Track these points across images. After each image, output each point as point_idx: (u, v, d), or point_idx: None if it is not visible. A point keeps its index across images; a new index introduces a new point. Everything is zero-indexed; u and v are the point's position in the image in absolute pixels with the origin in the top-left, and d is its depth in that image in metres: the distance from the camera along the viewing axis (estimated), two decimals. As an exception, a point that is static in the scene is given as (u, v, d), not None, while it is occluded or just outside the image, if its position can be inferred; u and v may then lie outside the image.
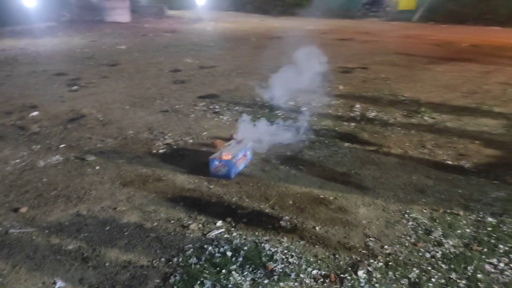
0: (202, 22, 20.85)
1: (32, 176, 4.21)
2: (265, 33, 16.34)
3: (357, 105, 6.55)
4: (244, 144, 4.52)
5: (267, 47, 12.61)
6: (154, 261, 2.93)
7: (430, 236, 3.26)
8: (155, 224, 3.38)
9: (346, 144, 5.08)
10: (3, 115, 6.20)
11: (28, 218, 3.45)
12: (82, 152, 4.80)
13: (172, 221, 3.43)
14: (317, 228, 3.38)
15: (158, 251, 3.04)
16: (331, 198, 3.85)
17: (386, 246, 3.15)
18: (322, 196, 3.88)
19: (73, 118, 5.98)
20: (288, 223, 3.44)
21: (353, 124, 5.80)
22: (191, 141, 5.18)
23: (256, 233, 3.28)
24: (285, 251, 3.07)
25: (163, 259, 2.95)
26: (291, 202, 3.77)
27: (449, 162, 4.61)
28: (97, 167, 4.41)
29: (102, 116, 6.08)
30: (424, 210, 3.64)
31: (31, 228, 3.29)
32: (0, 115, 6.22)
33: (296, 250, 3.09)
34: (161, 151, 4.87)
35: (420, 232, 3.33)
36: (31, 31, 15.63)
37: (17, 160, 4.59)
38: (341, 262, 2.97)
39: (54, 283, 2.69)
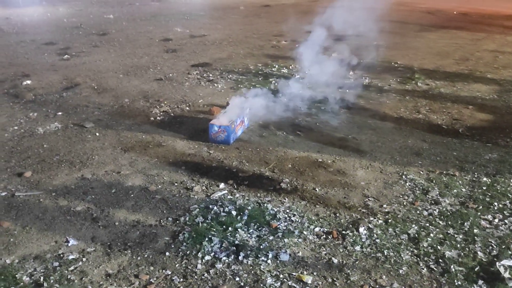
0: (190, -10, 20.47)
1: (33, 143, 4.22)
2: (254, 1, 16.14)
3: (351, 72, 6.59)
4: (242, 110, 4.56)
5: (257, 16, 12.52)
6: (162, 221, 3.01)
7: (428, 196, 3.38)
8: (160, 186, 3.44)
9: (343, 110, 5.15)
10: (-4, 84, 6.13)
11: (33, 182, 3.48)
12: (81, 119, 4.80)
13: (176, 184, 3.49)
14: (317, 189, 3.47)
15: (165, 211, 3.11)
16: (329, 161, 3.93)
17: (385, 205, 3.25)
18: (320, 160, 3.96)
19: (67, 87, 5.93)
20: (288, 185, 3.53)
21: (348, 90, 5.85)
22: (187, 108, 5.20)
23: (258, 194, 3.37)
24: (287, 211, 3.16)
25: (170, 219, 3.03)
26: (290, 166, 3.84)
27: (444, 126, 4.72)
28: (97, 134, 4.43)
29: (97, 85, 6.04)
30: (420, 172, 3.74)
31: (37, 191, 3.33)
32: (-8, 83, 6.15)
33: (298, 209, 3.18)
34: (158, 118, 4.89)
35: (418, 192, 3.44)
36: (14, 0, 15.25)
37: (15, 127, 4.57)
38: (342, 220, 3.07)
39: (67, 241, 2.75)
